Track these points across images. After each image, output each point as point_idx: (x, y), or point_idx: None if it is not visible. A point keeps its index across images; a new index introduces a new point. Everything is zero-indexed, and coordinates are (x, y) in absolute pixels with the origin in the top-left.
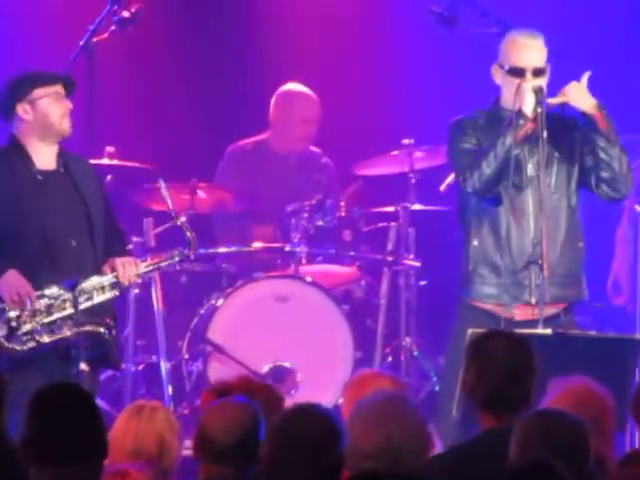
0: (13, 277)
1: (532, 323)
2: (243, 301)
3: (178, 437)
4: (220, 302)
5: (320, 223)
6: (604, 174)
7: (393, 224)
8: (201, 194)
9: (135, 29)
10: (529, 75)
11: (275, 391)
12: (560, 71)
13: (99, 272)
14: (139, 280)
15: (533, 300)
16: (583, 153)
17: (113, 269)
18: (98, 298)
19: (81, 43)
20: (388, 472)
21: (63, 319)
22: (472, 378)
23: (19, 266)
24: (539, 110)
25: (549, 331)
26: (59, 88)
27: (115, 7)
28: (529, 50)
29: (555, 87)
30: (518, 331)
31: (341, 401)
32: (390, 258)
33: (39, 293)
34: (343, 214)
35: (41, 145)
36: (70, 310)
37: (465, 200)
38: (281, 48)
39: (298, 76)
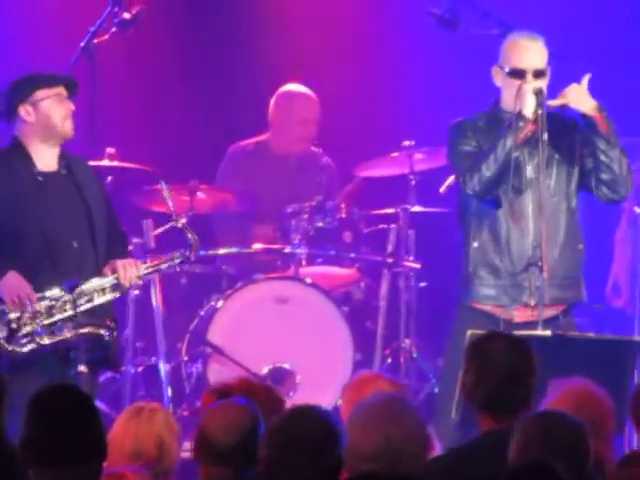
0: (13, 278)
1: (531, 325)
2: (243, 303)
3: (177, 439)
4: (220, 304)
5: (320, 224)
6: (604, 176)
7: (393, 226)
8: (201, 195)
9: (136, 31)
10: (530, 77)
11: (275, 392)
12: (560, 73)
13: (100, 274)
14: (140, 282)
15: (532, 302)
16: (583, 155)
17: (114, 271)
18: (99, 300)
19: (82, 45)
20: (387, 474)
21: (63, 321)
22: (471, 380)
23: (20, 267)
24: (539, 112)
25: (548, 333)
26: (61, 90)
27: (116, 9)
28: (530, 52)
29: (555, 89)
30: (517, 333)
31: (340, 403)
32: (390, 260)
33: (40, 295)
34: (343, 216)
35: (43, 147)
36: (70, 312)
37: (465, 202)
38: (281, 49)
39: (298, 77)
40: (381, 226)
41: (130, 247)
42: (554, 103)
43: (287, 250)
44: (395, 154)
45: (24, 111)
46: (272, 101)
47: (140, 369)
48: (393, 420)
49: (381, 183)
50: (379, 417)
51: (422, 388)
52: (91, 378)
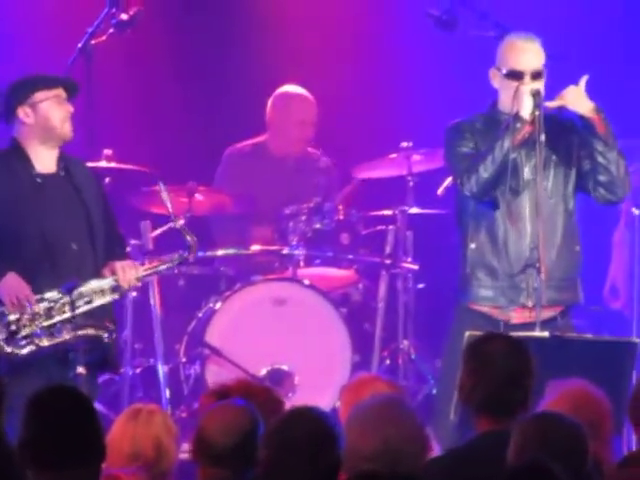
0: (12, 280)
1: (529, 326)
2: (241, 304)
3: (175, 440)
4: (218, 305)
5: (318, 226)
6: (602, 178)
7: (391, 227)
8: (199, 197)
9: (133, 32)
10: (527, 78)
11: (274, 394)
12: (558, 75)
13: (99, 275)
14: (139, 284)
15: (530, 303)
16: (581, 157)
17: (113, 272)
18: (98, 301)
19: (79, 45)
20: (386, 474)
21: (63, 323)
22: (470, 381)
23: (19, 269)
24: (537, 113)
25: (546, 334)
26: (60, 91)
27: (113, 10)
28: (527, 53)
29: (553, 91)
30: (515, 334)
31: (338, 404)
32: (388, 261)
33: (39, 297)
34: (341, 217)
35: (42, 148)
36: (69, 314)
37: (462, 203)
38: (279, 50)
39: (296, 78)
40: (379, 227)
41: (128, 249)
42: (552, 105)
43: (285, 251)
44: (393, 155)
45: (23, 113)
46: (269, 102)
47: (138, 371)
48: (391, 422)
49: (379, 184)
50: (377, 419)
51: (420, 389)
52: (90, 380)
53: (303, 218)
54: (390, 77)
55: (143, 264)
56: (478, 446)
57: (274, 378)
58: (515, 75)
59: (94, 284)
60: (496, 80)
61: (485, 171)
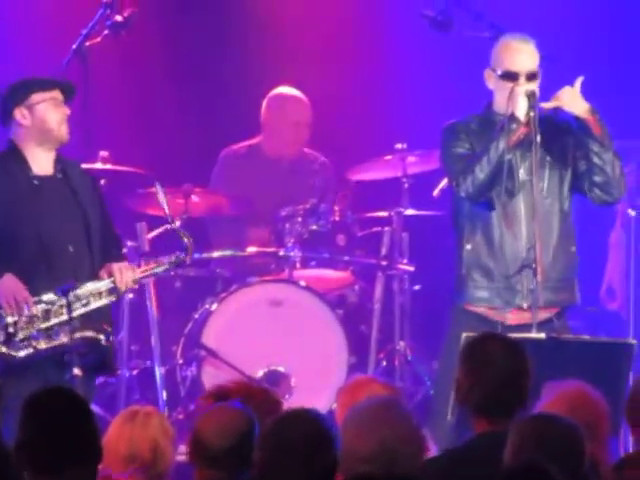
0: (10, 281)
1: (525, 327)
2: (237, 306)
3: (172, 442)
4: (214, 307)
5: (314, 227)
6: (597, 178)
7: (387, 229)
8: (195, 198)
9: (128, 33)
10: (523, 79)
11: (272, 395)
12: (554, 76)
13: (96, 278)
14: (136, 285)
15: (525, 304)
16: (576, 157)
17: (110, 274)
18: (95, 304)
19: (74, 47)
20: (383, 475)
21: (60, 325)
22: (467, 381)
23: (15, 271)
24: (532, 114)
25: (543, 335)
26: (57, 94)
27: (108, 11)
28: (522, 54)
29: (549, 92)
30: (512, 335)
31: (335, 406)
32: (384, 263)
33: (36, 299)
34: (337, 219)
35: (39, 150)
36: (67, 316)
37: (458, 205)
38: (274, 52)
39: (291, 80)
40: (375, 229)
41: (124, 250)
42: (548, 105)
43: (281, 253)
44: (388, 157)
45: (20, 115)
46: (264, 104)
47: (135, 372)
48: (387, 423)
49: (374, 186)
50: (373, 420)
51: (417, 391)
52: (87, 382)
53: (299, 220)
54: (385, 79)
55: (139, 266)
56: (475, 447)
57: (270, 380)
58: (510, 76)
59: (91, 286)
60: (491, 81)
61: (481, 172)
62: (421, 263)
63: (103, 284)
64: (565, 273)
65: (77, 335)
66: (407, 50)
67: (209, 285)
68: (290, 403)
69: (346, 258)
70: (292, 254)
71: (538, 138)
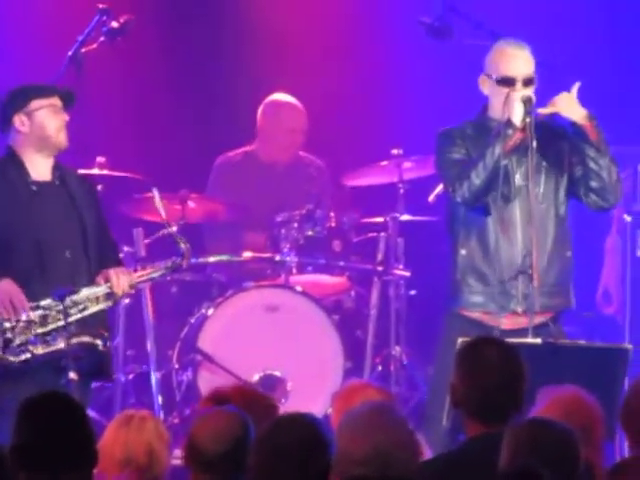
0: (7, 285)
1: (519, 332)
2: (233, 310)
3: (167, 447)
4: (210, 311)
5: (310, 233)
6: (593, 184)
7: (382, 234)
8: (191, 204)
9: (124, 40)
10: (519, 85)
11: (270, 400)
12: (550, 82)
13: (93, 283)
14: (133, 290)
15: (520, 309)
16: (572, 163)
17: (107, 279)
18: (92, 309)
19: (69, 54)
20: (378, 477)
21: (58, 330)
22: (462, 385)
23: (12, 276)
24: (528, 120)
25: (539, 340)
26: (56, 100)
27: (104, 18)
28: (518, 60)
29: (545, 98)
30: (507, 340)
31: (330, 411)
32: (380, 268)
33: (34, 304)
34: (333, 224)
35: (37, 157)
36: (63, 321)
37: (453, 210)
38: (270, 58)
39: (287, 86)
40: (370, 235)
41: (121, 255)
42: (544, 111)
43: (277, 258)
44: (384, 163)
45: (19, 121)
46: (259, 110)
47: (131, 377)
48: (381, 428)
49: (370, 192)
50: (367, 425)
51: (412, 396)
52: (83, 386)
53: (295, 225)
54: (381, 84)
55: (136, 271)
56: (470, 450)
57: (266, 384)
58: (506, 81)
59: (88, 291)
60: (486, 87)
61: (477, 177)
62: (417, 268)
63: (100, 289)
64: (560, 278)
65: (74, 340)
66: (404, 56)
67: (205, 290)
68: (286, 407)
69: (342, 264)
70: (288, 259)
71: (534, 143)
